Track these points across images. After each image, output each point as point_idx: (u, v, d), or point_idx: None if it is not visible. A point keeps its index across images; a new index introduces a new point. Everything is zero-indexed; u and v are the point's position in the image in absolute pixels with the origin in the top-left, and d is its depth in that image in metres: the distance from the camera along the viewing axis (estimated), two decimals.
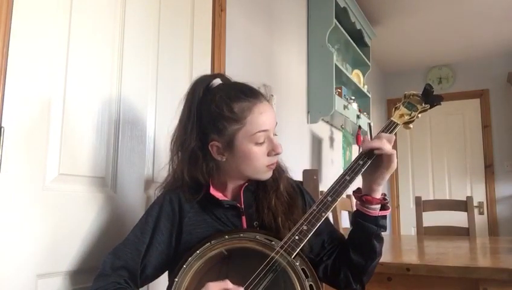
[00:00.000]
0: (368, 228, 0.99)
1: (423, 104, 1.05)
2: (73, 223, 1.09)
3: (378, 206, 0.99)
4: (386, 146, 0.96)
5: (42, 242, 1.02)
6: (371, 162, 0.97)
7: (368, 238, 0.99)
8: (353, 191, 1.04)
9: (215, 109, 0.98)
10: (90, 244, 1.12)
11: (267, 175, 1.03)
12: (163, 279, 1.04)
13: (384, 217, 1.00)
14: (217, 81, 1.05)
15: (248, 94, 1.00)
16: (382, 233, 1.01)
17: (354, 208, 1.04)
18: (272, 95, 1.08)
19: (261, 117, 0.98)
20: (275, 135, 1.02)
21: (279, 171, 1.07)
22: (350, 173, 0.96)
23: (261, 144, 0.99)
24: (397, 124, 1.03)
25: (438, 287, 1.36)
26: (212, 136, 0.99)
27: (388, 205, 1.01)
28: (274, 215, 1.00)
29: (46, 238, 1.02)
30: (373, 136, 1.02)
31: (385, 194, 1.01)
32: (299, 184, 1.16)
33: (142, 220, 1.03)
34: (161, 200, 1.04)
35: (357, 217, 1.01)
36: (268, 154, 1.00)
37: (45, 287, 1.02)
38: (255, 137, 0.97)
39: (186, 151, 1.01)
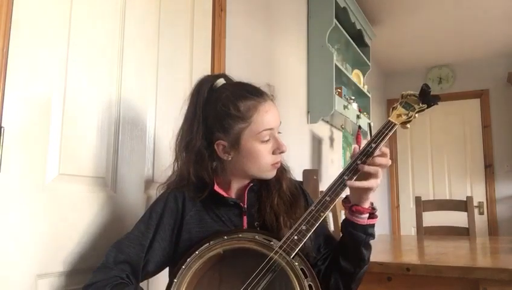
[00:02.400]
0: (356, 236, 1.00)
1: (420, 104, 1.06)
2: (73, 223, 1.09)
3: (367, 215, 1.01)
4: (371, 184, 0.95)
5: (42, 242, 1.02)
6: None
7: (356, 246, 1.00)
8: (342, 201, 1.04)
9: (221, 107, 1.00)
10: (90, 245, 1.12)
11: (271, 174, 1.04)
12: (163, 278, 1.04)
13: (373, 225, 1.02)
14: (221, 81, 1.06)
15: (253, 93, 1.02)
16: (372, 240, 1.02)
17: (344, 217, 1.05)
18: (273, 95, 1.08)
19: (267, 116, 0.99)
20: (279, 133, 1.04)
21: (282, 170, 1.08)
22: (348, 172, 0.97)
23: (266, 142, 1.00)
24: (395, 124, 1.04)
25: (438, 287, 1.36)
26: (217, 135, 1.01)
27: (376, 213, 1.02)
28: (276, 215, 1.01)
29: (46, 238, 1.02)
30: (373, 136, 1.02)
31: (372, 203, 1.02)
32: (300, 185, 1.16)
33: (146, 216, 1.04)
34: (166, 196, 1.05)
35: (346, 226, 1.02)
36: (273, 153, 1.02)
37: (45, 287, 1.02)
38: (261, 135, 0.99)
39: (192, 150, 1.02)
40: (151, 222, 1.01)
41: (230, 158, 1.01)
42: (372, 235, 1.01)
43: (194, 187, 1.03)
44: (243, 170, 1.03)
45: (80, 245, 1.10)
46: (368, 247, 1.02)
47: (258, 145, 0.99)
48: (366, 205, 1.00)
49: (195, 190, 1.03)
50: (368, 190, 0.96)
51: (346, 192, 1.01)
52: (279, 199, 1.04)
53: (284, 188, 1.06)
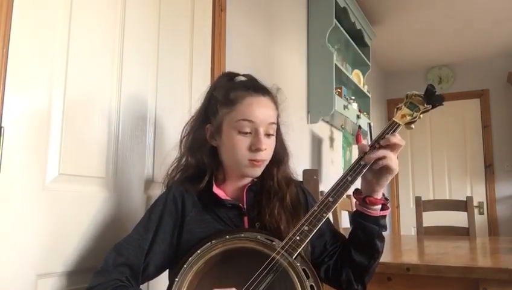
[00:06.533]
0: (370, 228, 0.99)
1: (425, 105, 1.05)
2: (73, 223, 1.09)
3: (379, 206, 1.00)
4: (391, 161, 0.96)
5: (42, 242, 1.02)
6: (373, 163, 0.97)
7: (370, 238, 1.00)
8: (353, 192, 1.04)
9: (217, 93, 1.03)
10: (90, 244, 1.12)
11: (252, 171, 1.02)
12: (163, 277, 1.04)
13: (385, 216, 1.01)
14: (240, 78, 1.08)
15: (248, 87, 1.03)
16: (383, 233, 1.02)
17: (354, 209, 1.04)
18: (276, 96, 1.08)
19: (250, 107, 0.99)
20: (270, 134, 1.02)
21: (287, 180, 1.07)
22: (351, 173, 0.96)
23: (245, 134, 0.99)
24: (399, 125, 1.02)
25: (438, 287, 1.36)
26: (211, 119, 1.05)
27: (388, 205, 1.01)
28: (276, 222, 0.99)
29: (46, 238, 1.02)
30: (373, 137, 1.02)
31: (384, 194, 1.02)
32: (301, 185, 1.15)
33: (145, 218, 1.03)
34: (164, 197, 1.05)
35: (357, 218, 1.01)
36: (250, 149, 1.00)
37: (45, 287, 1.02)
38: (238, 124, 0.99)
39: (191, 132, 1.07)
40: (151, 224, 1.01)
41: (216, 144, 1.04)
42: (385, 227, 1.01)
43: (192, 175, 1.04)
44: (227, 162, 1.04)
45: (80, 245, 1.10)
46: (382, 238, 1.02)
47: (235, 134, 0.99)
48: (379, 195, 0.99)
49: (192, 179, 1.04)
50: (386, 172, 0.96)
51: (349, 192, 1.00)
52: (280, 208, 1.02)
53: (287, 199, 1.04)
